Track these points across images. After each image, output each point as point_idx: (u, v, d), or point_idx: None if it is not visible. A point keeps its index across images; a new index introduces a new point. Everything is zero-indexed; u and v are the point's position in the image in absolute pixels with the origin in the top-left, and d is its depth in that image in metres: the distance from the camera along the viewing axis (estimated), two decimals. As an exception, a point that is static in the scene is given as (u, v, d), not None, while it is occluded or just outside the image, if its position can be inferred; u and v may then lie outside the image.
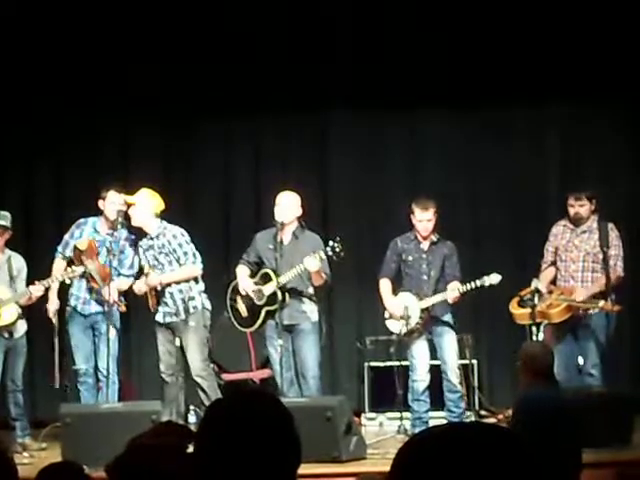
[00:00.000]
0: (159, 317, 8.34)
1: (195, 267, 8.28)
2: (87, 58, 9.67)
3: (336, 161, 10.23)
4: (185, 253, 8.25)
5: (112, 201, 8.35)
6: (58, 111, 9.92)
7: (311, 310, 8.19)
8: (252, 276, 8.30)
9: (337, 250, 7.78)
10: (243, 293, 8.31)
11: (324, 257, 7.81)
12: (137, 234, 8.44)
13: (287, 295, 8.08)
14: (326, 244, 7.90)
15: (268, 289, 8.11)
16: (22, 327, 8.45)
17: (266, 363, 9.48)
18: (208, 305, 8.34)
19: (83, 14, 9.51)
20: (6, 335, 8.36)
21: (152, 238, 8.29)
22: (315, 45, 9.64)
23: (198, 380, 8.21)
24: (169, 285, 8.27)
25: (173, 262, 8.28)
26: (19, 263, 8.52)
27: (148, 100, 9.75)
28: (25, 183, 10.29)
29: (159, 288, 8.28)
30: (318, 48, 9.64)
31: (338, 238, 7.86)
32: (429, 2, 9.65)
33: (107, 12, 9.52)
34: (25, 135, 10.09)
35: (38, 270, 8.60)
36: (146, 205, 8.22)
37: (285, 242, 8.16)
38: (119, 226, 8.33)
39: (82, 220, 8.57)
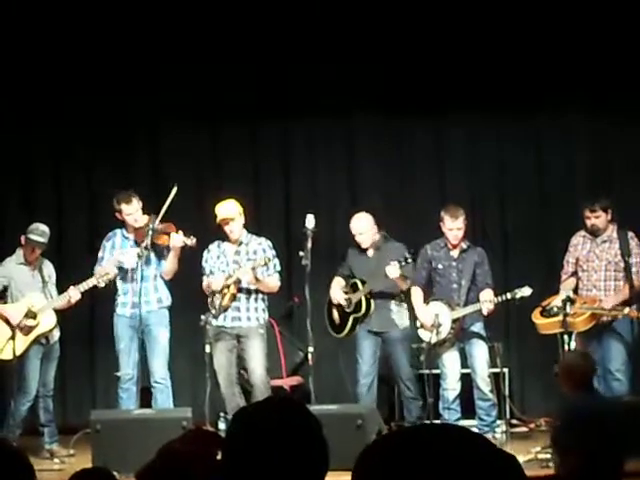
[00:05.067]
0: (225, 321, 8.29)
1: (278, 282, 8.41)
2: (117, 60, 9.67)
3: (364, 165, 10.21)
4: (275, 265, 8.36)
5: (127, 212, 8.39)
6: (89, 114, 9.90)
7: (400, 317, 8.57)
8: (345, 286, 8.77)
9: (409, 261, 8.26)
10: (335, 302, 8.72)
11: (402, 265, 8.24)
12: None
13: (372, 303, 8.54)
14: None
15: (355, 297, 8.58)
16: (57, 333, 8.49)
17: (297, 370, 9.48)
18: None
19: (115, 13, 9.51)
20: (43, 341, 8.39)
21: (241, 244, 8.38)
22: (344, 49, 9.62)
23: (256, 388, 8.21)
24: (249, 292, 8.31)
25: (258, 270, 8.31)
26: (49, 268, 8.58)
27: (178, 103, 9.75)
28: (56, 187, 10.24)
29: (245, 285, 8.26)
30: (346, 52, 9.61)
31: (412, 250, 8.35)
32: (462, 7, 9.61)
33: (138, 11, 9.51)
34: (56, 137, 10.08)
35: (70, 275, 8.63)
36: (241, 216, 8.35)
37: (369, 254, 8.63)
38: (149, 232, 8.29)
39: (109, 234, 8.59)
